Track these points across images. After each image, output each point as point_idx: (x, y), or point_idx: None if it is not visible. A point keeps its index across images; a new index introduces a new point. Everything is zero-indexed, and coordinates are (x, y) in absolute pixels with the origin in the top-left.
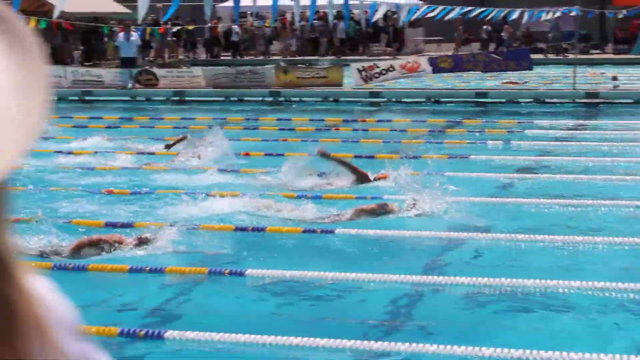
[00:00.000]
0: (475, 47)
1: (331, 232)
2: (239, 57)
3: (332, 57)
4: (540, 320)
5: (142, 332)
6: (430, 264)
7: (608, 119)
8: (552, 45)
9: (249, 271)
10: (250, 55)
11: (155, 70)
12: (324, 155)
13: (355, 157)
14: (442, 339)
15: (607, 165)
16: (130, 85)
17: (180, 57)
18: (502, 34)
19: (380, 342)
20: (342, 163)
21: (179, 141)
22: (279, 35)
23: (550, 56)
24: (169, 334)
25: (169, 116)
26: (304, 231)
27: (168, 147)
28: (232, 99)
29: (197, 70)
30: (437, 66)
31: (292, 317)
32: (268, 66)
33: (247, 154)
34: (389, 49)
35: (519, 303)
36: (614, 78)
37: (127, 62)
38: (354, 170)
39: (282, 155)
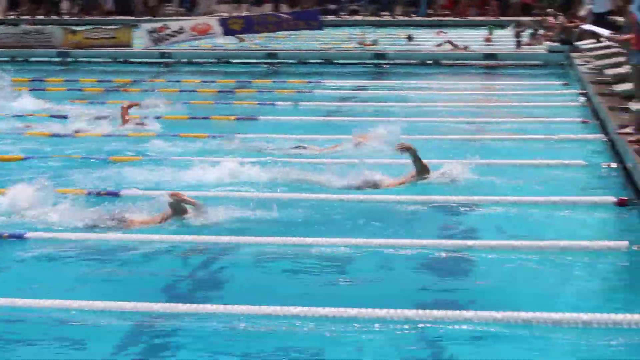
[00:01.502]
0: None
1: (115, 194)
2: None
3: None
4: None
5: None
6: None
7: (395, 79)
8: (342, 6)
9: (28, 234)
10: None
11: None
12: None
13: (144, 118)
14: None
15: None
16: None
17: None
18: None
19: (164, 304)
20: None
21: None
22: None
23: (342, 17)
24: None
25: None
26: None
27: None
28: (18, 59)
29: None
30: (228, 28)
31: (74, 280)
32: (55, 26)
33: (31, 115)
34: (181, 9)
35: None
36: (409, 38)
37: None
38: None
39: (65, 117)
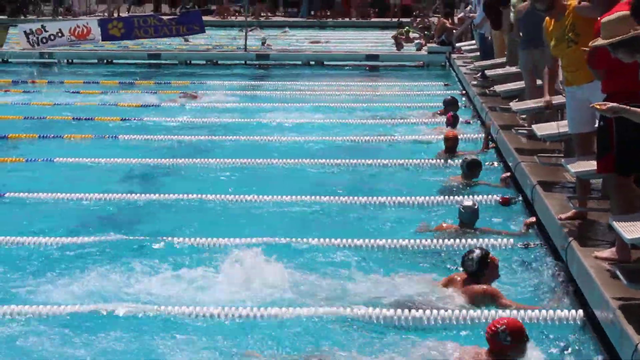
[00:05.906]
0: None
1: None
2: None
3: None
4: None
5: None
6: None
7: (278, 80)
8: (222, 6)
9: None
10: None
11: None
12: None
13: (25, 118)
14: None
15: (281, 125)
16: None
17: None
18: None
19: None
20: None
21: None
22: None
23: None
24: None
25: None
26: None
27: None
28: None
29: None
30: (107, 32)
31: None
32: None
33: None
34: (61, 9)
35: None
36: (264, 42)
37: None
38: None
39: None
